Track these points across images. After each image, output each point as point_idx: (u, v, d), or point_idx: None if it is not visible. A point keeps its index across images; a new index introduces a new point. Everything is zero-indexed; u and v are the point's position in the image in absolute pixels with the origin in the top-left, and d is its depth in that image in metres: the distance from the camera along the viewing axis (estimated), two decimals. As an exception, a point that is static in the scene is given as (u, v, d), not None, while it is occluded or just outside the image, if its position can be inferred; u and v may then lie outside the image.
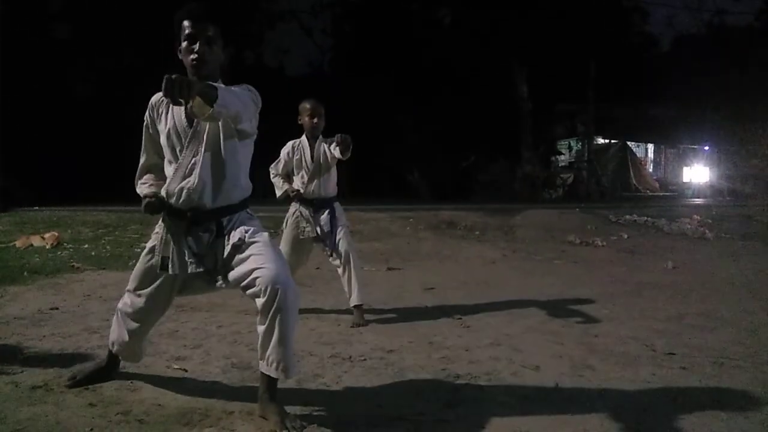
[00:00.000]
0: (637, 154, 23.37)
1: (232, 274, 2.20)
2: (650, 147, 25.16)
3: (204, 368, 2.82)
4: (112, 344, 2.56)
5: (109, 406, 2.33)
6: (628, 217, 10.55)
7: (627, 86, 19.76)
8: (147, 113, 2.34)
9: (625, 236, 8.90)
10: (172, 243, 2.28)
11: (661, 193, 21.45)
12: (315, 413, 2.29)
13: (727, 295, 4.84)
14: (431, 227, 9.21)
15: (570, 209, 11.62)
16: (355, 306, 3.77)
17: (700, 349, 3.24)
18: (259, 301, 2.10)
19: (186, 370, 2.78)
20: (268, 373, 2.19)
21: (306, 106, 3.92)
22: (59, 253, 6.40)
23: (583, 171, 20.84)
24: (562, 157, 23.36)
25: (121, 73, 15.67)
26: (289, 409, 2.23)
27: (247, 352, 3.07)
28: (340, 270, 3.87)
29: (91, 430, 2.11)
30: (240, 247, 2.19)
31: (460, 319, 3.92)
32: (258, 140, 2.36)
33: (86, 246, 6.86)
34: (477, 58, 18.55)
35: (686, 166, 23.55)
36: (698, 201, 17.72)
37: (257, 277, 2.10)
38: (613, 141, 22.42)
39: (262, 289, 2.08)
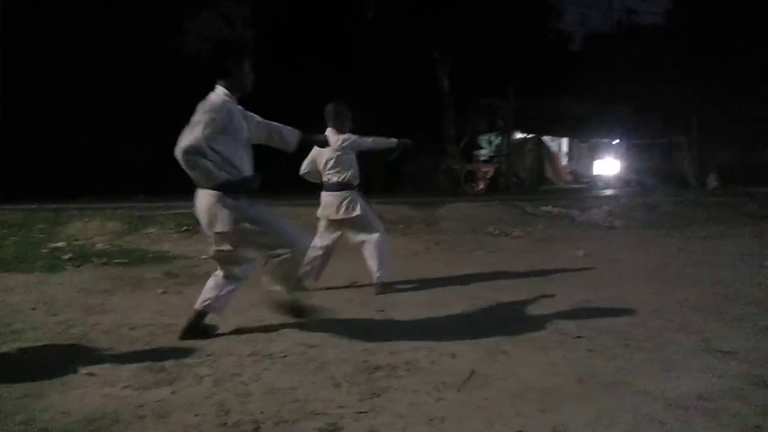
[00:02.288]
0: (552, 148, 24.37)
1: None
2: (564, 141, 26.30)
3: (115, 372, 2.71)
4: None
5: (10, 415, 2.20)
6: (543, 208, 10.99)
7: (543, 82, 20.56)
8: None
9: (541, 227, 9.28)
10: None
11: (575, 186, 22.49)
12: (231, 413, 2.24)
13: (632, 281, 5.16)
14: (356, 221, 9.23)
15: (490, 202, 11.97)
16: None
17: (606, 331, 3.43)
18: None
19: (94, 375, 2.65)
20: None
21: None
22: (-45, 256, 5.93)
23: (502, 165, 21.52)
24: (483, 151, 24.01)
25: (49, 69, 14.75)
26: (202, 410, 2.18)
27: (161, 354, 2.97)
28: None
29: (-12, 443, 1.98)
30: None
31: (383, 311, 3.96)
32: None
33: (-14, 248, 6.39)
34: (401, 52, 18.70)
35: (597, 159, 24.79)
36: (608, 192, 18.71)
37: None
38: (530, 135, 23.26)
39: None
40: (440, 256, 6.86)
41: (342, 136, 4.56)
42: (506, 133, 22.24)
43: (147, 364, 2.81)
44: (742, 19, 18.29)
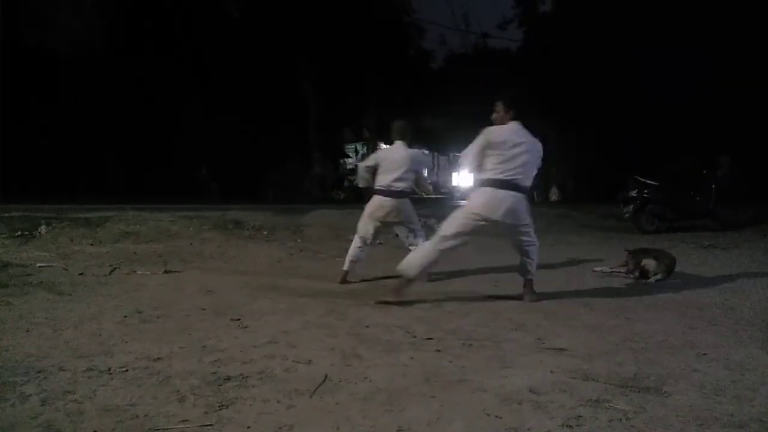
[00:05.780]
0: (415, 159, 25.37)
1: None
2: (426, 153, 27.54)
3: None
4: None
5: None
6: (404, 216, 11.33)
7: (407, 96, 21.35)
8: None
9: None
10: None
11: (435, 196, 23.59)
12: (60, 434, 2.06)
13: (479, 284, 5.52)
14: (217, 227, 8.91)
15: (355, 210, 12.14)
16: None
17: (453, 332, 3.63)
18: None
19: None
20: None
21: None
22: None
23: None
24: (350, 160, 24.41)
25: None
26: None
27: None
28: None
29: None
30: None
31: (239, 320, 3.86)
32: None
33: None
34: (266, 56, 18.41)
35: (455, 171, 26.24)
36: (464, 203, 19.82)
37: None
38: (394, 146, 24.04)
39: None
40: (303, 263, 6.84)
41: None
42: (372, 143, 22.80)
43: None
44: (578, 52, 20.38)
